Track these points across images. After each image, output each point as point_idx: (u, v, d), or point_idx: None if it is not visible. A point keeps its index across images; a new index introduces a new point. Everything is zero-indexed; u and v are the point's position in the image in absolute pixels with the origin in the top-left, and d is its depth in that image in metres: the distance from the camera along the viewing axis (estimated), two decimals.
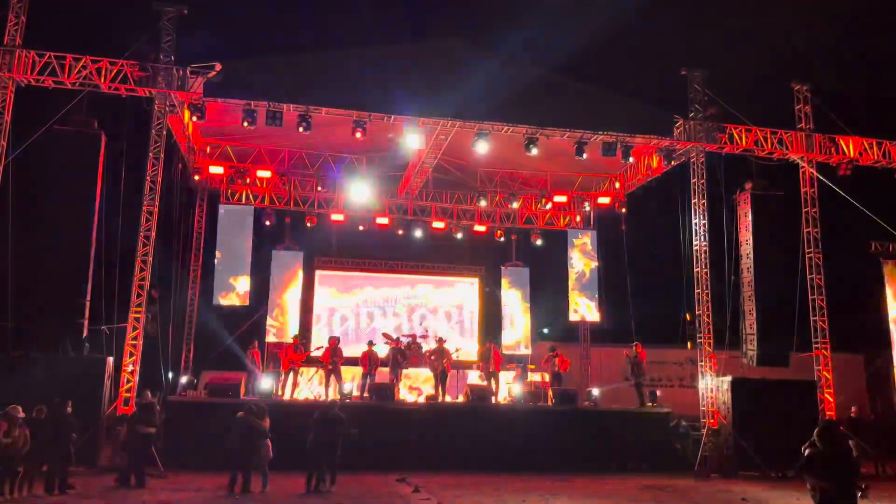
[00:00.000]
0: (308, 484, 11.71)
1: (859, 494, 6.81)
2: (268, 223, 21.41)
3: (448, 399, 17.57)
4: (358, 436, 12.11)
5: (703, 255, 17.57)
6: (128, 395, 14.32)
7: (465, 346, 22.49)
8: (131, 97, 15.43)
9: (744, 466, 16.10)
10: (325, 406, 12.53)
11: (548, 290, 24.13)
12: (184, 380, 17.39)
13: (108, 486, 11.94)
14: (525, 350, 23.27)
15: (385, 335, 20.25)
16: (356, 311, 23.22)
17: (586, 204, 22.85)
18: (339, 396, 16.45)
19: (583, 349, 23.65)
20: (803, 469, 6.91)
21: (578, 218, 23.71)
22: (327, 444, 11.67)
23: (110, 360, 14.66)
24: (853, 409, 17.69)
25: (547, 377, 19.20)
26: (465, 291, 24.30)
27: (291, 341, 18.00)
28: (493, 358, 18.08)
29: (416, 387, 19.78)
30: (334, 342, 17.31)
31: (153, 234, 15.12)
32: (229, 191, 21.10)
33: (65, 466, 11.29)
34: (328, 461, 11.80)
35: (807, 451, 6.93)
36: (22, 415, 10.55)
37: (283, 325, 21.01)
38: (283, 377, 16.95)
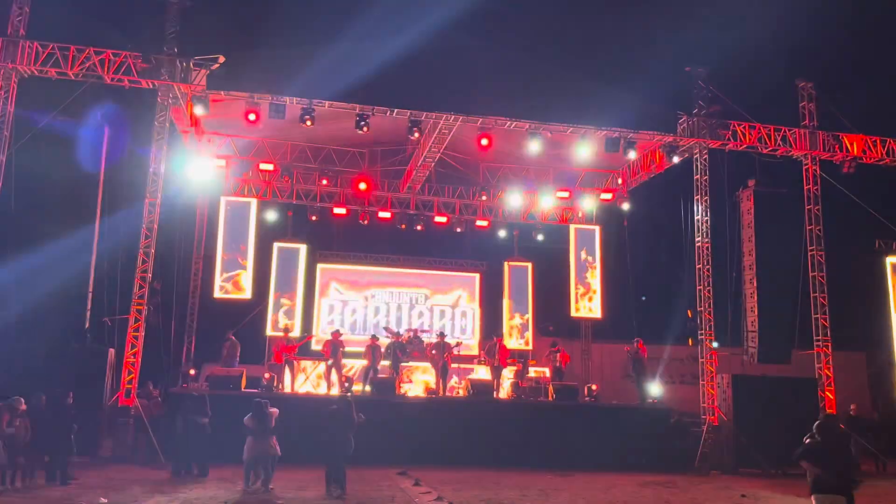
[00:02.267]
0: (328, 488, 10.96)
1: (853, 486, 7.15)
2: (270, 216, 21.41)
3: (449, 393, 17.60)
4: (365, 421, 11.34)
5: (705, 252, 17.55)
6: (129, 386, 14.35)
7: (466, 340, 22.52)
8: (134, 89, 15.43)
9: (744, 463, 16.11)
10: (335, 402, 11.88)
11: (549, 285, 24.10)
12: (192, 372, 17.40)
13: (110, 477, 11.97)
14: (526, 345, 23.28)
15: (387, 329, 20.27)
16: (357, 305, 23.20)
17: (589, 199, 22.80)
18: (340, 389, 16.50)
19: (584, 345, 23.67)
20: (801, 457, 7.31)
21: (581, 213, 23.67)
22: (339, 442, 10.96)
23: (112, 351, 14.70)
24: (852, 406, 17.68)
25: (548, 372, 19.21)
26: (466, 286, 24.28)
27: (281, 334, 17.98)
28: (499, 352, 18.08)
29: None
30: (336, 335, 17.34)
31: (155, 225, 15.13)
32: (231, 183, 21.10)
33: (66, 457, 11.33)
34: (341, 460, 11.03)
35: (807, 441, 7.36)
36: (24, 407, 10.58)
37: (284, 318, 21.02)
38: (280, 370, 16.96)
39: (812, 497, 7.24)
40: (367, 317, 23.09)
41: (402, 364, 18.03)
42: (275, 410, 11.53)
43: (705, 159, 17.83)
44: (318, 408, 12.19)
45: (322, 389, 17.58)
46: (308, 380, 18.59)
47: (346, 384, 16.94)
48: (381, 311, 23.27)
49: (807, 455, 7.29)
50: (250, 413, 11.33)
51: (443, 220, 22.74)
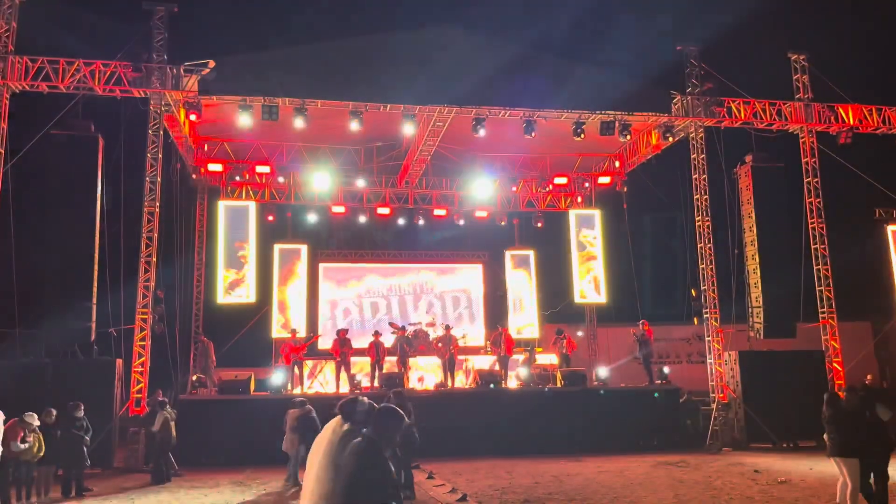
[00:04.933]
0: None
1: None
2: (269, 218, 21.40)
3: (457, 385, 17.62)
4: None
5: (705, 231, 17.54)
6: (139, 395, 14.40)
7: (472, 332, 22.54)
8: (126, 98, 15.40)
9: (755, 438, 16.15)
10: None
11: (552, 273, 24.11)
12: (194, 378, 17.44)
13: (123, 486, 12.02)
14: (532, 333, 23.29)
15: (392, 324, 20.29)
16: (361, 302, 23.23)
17: (587, 184, 22.78)
18: (349, 387, 16.55)
19: (589, 330, 23.68)
20: (824, 424, 8.45)
21: (580, 199, 23.64)
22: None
23: (119, 361, 14.72)
24: (868, 376, 17.66)
25: (555, 359, 19.24)
26: (469, 277, 24.29)
27: (289, 335, 18.03)
28: (504, 342, 18.09)
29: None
30: (343, 334, 17.35)
31: (155, 234, 15.14)
32: (229, 187, 21.08)
33: (80, 469, 11.37)
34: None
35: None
36: (37, 422, 10.62)
37: (289, 319, 21.04)
38: (289, 372, 17.00)
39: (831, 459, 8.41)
40: (370, 313, 23.11)
41: (409, 358, 18.05)
42: (293, 411, 11.92)
43: (701, 138, 17.79)
44: (329, 407, 12.21)
45: (331, 389, 17.64)
46: (316, 380, 18.63)
47: (356, 382, 16.97)
48: (385, 306, 23.29)
49: (824, 423, 8.39)
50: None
51: (442, 212, 22.72)
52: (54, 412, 11.24)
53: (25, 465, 10.51)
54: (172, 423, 12.69)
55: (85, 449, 11.38)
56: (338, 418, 4.29)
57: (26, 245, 14.48)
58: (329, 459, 4.06)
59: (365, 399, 4.37)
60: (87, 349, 14.66)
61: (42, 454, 10.64)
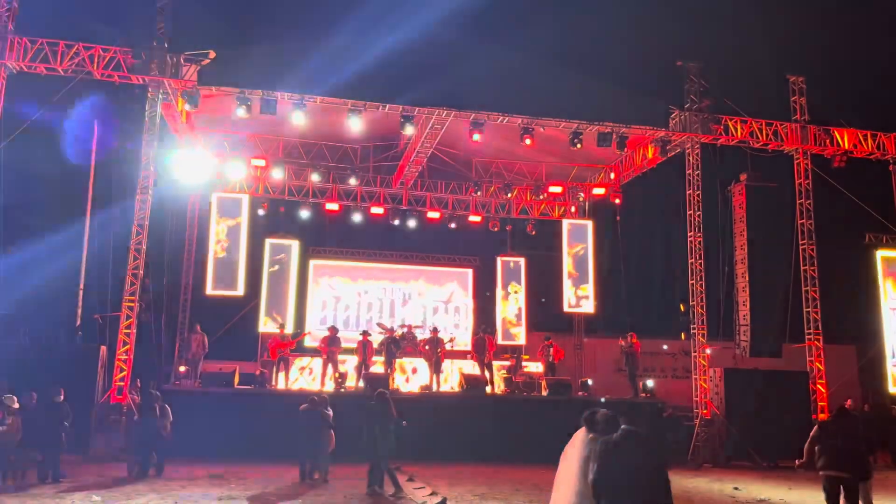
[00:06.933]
0: (371, 484, 10.88)
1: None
2: (262, 212, 21.32)
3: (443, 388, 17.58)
4: (406, 425, 11.26)
5: (697, 246, 17.60)
6: (121, 383, 14.30)
7: (460, 335, 22.49)
8: (124, 84, 15.31)
9: (736, 456, 16.20)
10: (373, 399, 11.54)
11: (543, 281, 24.13)
12: (182, 369, 17.35)
13: (100, 474, 11.91)
14: (520, 340, 23.29)
15: (380, 324, 20.25)
16: (350, 301, 23.16)
17: (581, 194, 22.82)
18: (334, 385, 16.49)
19: (577, 339, 23.70)
20: None
21: (573, 208, 23.68)
22: (377, 439, 10.83)
23: (104, 348, 14.62)
24: (848, 401, 17.73)
25: (541, 367, 19.23)
26: (459, 281, 24.27)
27: (278, 331, 17.98)
28: (486, 347, 18.07)
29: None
30: (333, 331, 17.30)
31: (146, 222, 15.05)
32: (223, 179, 20.98)
33: (57, 455, 11.27)
34: (382, 455, 10.88)
35: None
36: (17, 405, 10.53)
37: (276, 314, 20.96)
38: (274, 367, 16.94)
39: None
40: (359, 312, 23.05)
41: (396, 359, 17.99)
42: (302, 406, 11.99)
43: (697, 154, 17.86)
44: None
45: (316, 385, 17.57)
46: (302, 376, 18.56)
47: (340, 380, 16.91)
48: (374, 306, 23.23)
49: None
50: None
51: (435, 215, 22.72)
52: (35, 395, 11.15)
53: (2, 448, 10.42)
54: None
55: (63, 435, 11.30)
56: (583, 429, 4.93)
57: (15, 227, 14.40)
58: (581, 469, 4.81)
59: (603, 410, 4.96)
60: (72, 334, 14.56)
61: (20, 437, 10.55)
